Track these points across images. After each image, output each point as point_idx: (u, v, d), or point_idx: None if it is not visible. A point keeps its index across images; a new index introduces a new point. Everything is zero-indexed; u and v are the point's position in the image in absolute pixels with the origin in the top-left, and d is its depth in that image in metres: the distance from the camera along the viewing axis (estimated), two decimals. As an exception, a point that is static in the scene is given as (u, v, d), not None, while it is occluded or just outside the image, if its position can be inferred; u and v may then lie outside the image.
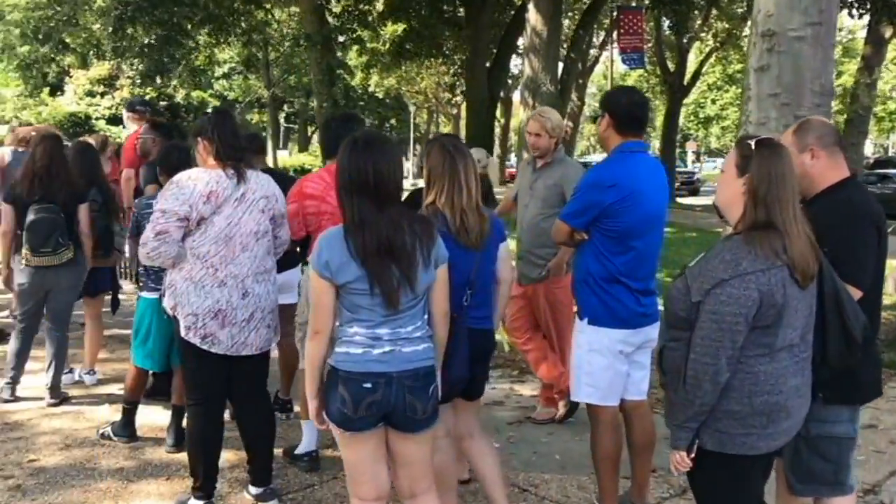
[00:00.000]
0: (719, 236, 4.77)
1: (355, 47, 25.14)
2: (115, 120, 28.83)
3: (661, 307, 3.06)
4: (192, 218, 3.28)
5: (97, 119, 29.23)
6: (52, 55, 18.02)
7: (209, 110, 38.40)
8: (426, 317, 2.70)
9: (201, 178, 3.32)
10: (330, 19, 20.43)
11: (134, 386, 4.37)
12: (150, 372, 4.52)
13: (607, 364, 3.35)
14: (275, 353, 4.32)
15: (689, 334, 2.27)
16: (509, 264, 3.35)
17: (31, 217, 4.71)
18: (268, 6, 23.73)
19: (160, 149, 4.87)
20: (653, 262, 3.46)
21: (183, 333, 3.38)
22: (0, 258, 5.06)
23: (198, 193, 3.28)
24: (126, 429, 4.38)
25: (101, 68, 29.99)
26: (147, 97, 31.37)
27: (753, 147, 2.31)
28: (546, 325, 4.66)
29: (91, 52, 23.05)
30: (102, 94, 31.40)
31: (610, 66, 29.98)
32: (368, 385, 2.54)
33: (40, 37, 17.73)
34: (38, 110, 24.56)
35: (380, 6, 21.91)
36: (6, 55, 19.38)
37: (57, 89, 30.48)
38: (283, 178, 4.25)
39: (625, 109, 3.38)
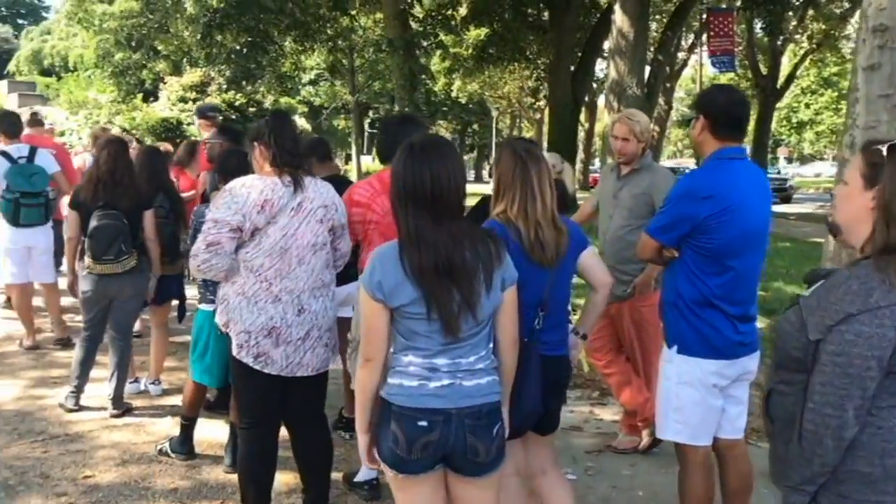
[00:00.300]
0: (817, 247, 4.32)
1: (438, 52, 25.02)
2: (205, 126, 29.33)
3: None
4: (245, 228, 3.06)
5: (188, 124, 30.03)
6: (144, 62, 18.40)
7: (297, 116, 39.04)
8: (491, 345, 2.39)
9: (256, 186, 3.09)
10: (413, 24, 20.34)
11: (192, 401, 4.19)
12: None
13: (699, 399, 2.96)
14: (339, 366, 4.08)
15: (805, 377, 1.88)
16: (602, 266, 3.01)
17: (93, 223, 4.60)
18: (353, 12, 23.85)
19: (221, 156, 4.71)
20: (753, 284, 3.05)
21: (235, 352, 3.16)
22: (66, 265, 4.98)
23: (251, 202, 3.05)
24: (184, 445, 4.21)
25: (193, 75, 30.79)
26: (237, 103, 32.20)
27: (885, 153, 1.89)
28: (630, 347, 4.27)
29: (184, 60, 23.62)
30: (194, 101, 32.21)
31: (699, 70, 29.00)
32: (424, 423, 2.24)
33: (133, 44, 18.12)
34: (132, 115, 25.29)
35: (463, 11, 21.71)
36: (104, 62, 19.97)
37: (151, 95, 31.41)
38: (348, 186, 4.00)
39: (723, 110, 2.99)
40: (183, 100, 32.62)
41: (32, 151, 6.38)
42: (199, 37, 18.20)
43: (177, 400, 5.09)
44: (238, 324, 3.13)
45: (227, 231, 3.04)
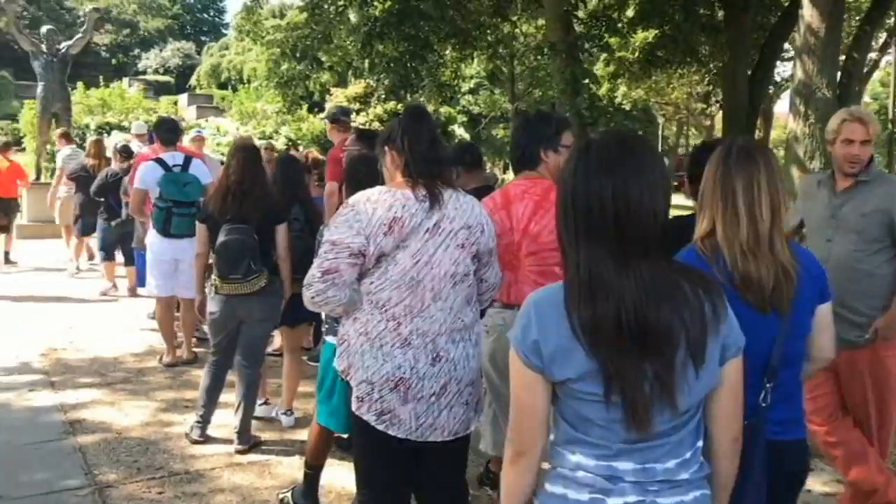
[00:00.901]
0: None
1: (602, 56, 24.01)
2: (368, 135, 29.76)
3: None
4: (368, 253, 2.45)
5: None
6: (307, 72, 18.59)
7: (456, 126, 39.05)
8: (700, 443, 1.63)
9: (383, 201, 2.47)
10: (576, 27, 19.51)
11: (317, 447, 3.64)
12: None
13: None
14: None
15: None
16: (832, 332, 2.18)
17: (220, 238, 4.17)
18: (514, 18, 23.30)
19: (349, 162, 4.14)
20: None
21: (354, 406, 2.55)
22: (194, 283, 4.61)
23: (377, 221, 2.44)
24: (307, 497, 3.65)
25: (357, 86, 31.36)
26: (398, 113, 32.49)
27: None
28: (863, 408, 3.32)
29: (350, 72, 23.92)
30: (358, 111, 32.87)
31: (894, 73, 26.35)
32: (600, 561, 1.52)
33: (298, 55, 18.39)
34: (298, 126, 25.94)
35: (629, 12, 20.64)
36: (272, 74, 20.42)
37: (318, 107, 32.21)
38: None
39: None
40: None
41: (187, 160, 6.16)
42: (359, 46, 18.17)
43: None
44: (359, 371, 2.51)
45: (347, 256, 2.44)
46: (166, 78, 54.18)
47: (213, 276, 4.26)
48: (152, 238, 6.20)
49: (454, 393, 2.52)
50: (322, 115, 33.22)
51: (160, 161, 6.10)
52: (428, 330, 2.47)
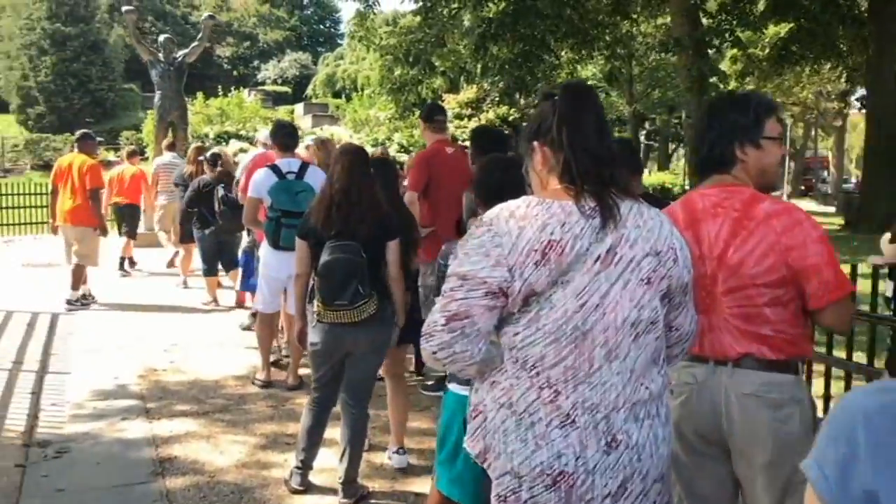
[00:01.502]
0: None
1: (730, 53, 22.57)
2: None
3: None
4: (513, 291, 1.73)
5: (464, 140, 30.20)
6: (420, 77, 18.15)
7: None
8: None
9: (533, 218, 1.75)
10: (704, 21, 18.29)
11: (435, 518, 2.95)
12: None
13: None
14: None
15: None
16: None
17: (323, 258, 3.57)
18: (634, 16, 22.22)
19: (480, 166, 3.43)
20: None
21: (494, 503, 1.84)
22: (294, 309, 4.02)
23: (525, 246, 1.72)
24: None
25: (469, 91, 30.90)
26: (510, 118, 31.77)
27: None
28: None
29: (462, 77, 23.46)
30: (469, 117, 32.41)
31: None
32: None
33: (410, 60, 17.97)
34: (410, 132, 25.66)
35: (761, 5, 19.22)
36: (385, 80, 20.16)
37: (429, 113, 31.95)
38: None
39: None
40: (459, 116, 32.90)
41: (303, 167, 5.67)
42: (473, 48, 17.57)
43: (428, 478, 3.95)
44: (500, 458, 1.79)
45: (482, 296, 1.73)
46: (284, 88, 55.47)
47: (314, 302, 3.65)
48: (263, 251, 5.76)
49: (638, 494, 1.76)
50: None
51: (274, 168, 5.62)
52: (599, 403, 1.73)
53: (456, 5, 19.68)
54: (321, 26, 71.52)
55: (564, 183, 1.80)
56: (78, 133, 9.01)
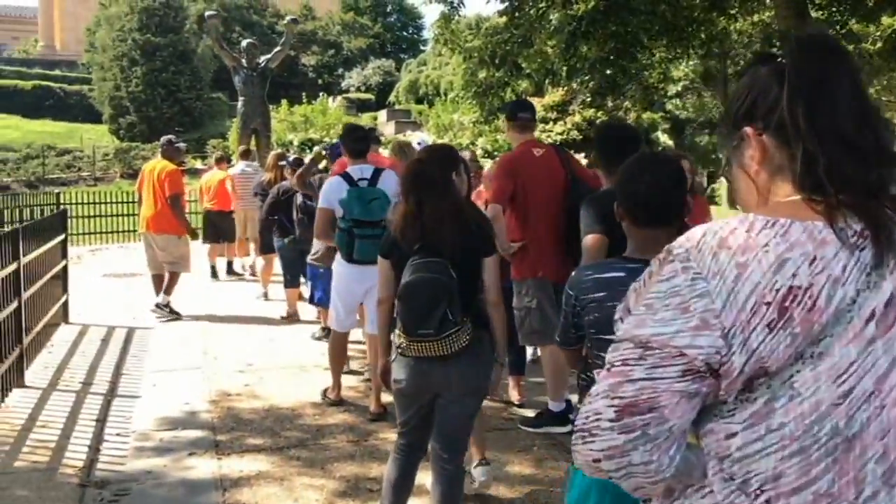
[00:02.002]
0: None
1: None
2: (568, 145, 28.82)
3: None
4: (730, 370, 1.07)
5: (551, 144, 29.55)
6: (506, 79, 17.46)
7: (659, 132, 36.78)
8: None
9: (761, 249, 1.07)
10: (812, 13, 17.04)
11: None
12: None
13: None
14: None
15: None
16: None
17: (405, 278, 2.98)
18: (732, 11, 21.04)
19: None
20: None
21: None
22: (378, 333, 3.42)
23: (749, 296, 1.06)
24: None
25: (554, 95, 30.11)
26: (598, 121, 30.80)
27: None
28: None
29: (546, 80, 22.74)
30: (555, 120, 31.62)
31: None
32: None
33: (497, 61, 17.30)
34: (495, 137, 25.08)
35: (878, -6, 17.82)
36: (468, 83, 19.56)
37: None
38: None
39: None
40: (544, 120, 32.13)
41: (377, 173, 5.16)
42: (562, 47, 16.80)
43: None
44: None
45: (678, 376, 1.08)
46: (367, 95, 55.60)
47: (396, 332, 3.05)
48: (337, 265, 5.27)
49: None
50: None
51: (345, 176, 5.15)
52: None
53: (543, 4, 18.97)
54: (404, 33, 71.66)
55: (806, 191, 1.13)
56: (163, 139, 8.74)
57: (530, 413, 5.10)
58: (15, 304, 5.58)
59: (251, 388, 5.73)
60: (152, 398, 5.47)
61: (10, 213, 13.72)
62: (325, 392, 5.41)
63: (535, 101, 31.41)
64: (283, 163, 8.30)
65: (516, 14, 18.99)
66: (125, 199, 16.65)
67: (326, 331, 6.88)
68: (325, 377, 5.74)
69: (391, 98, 53.36)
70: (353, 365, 6.21)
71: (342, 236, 5.04)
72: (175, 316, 8.14)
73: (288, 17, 14.47)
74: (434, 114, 29.14)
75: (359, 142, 5.42)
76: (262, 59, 14.25)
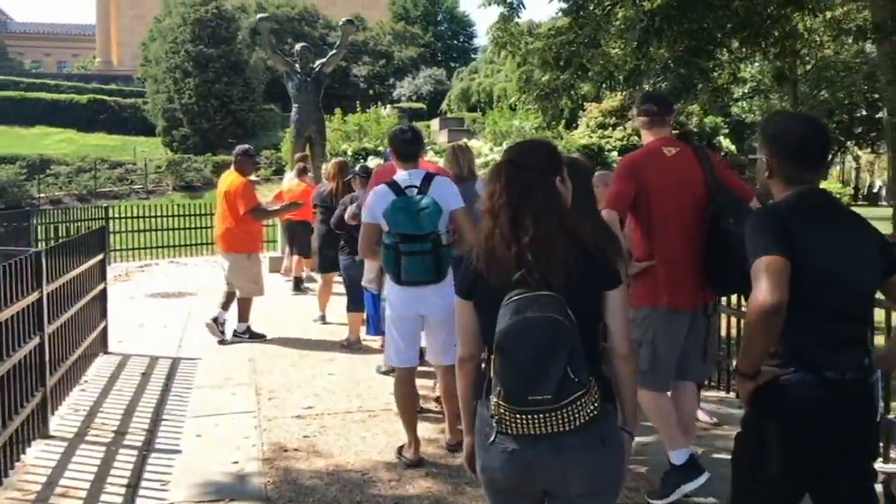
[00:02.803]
0: None
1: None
2: (627, 150, 27.81)
3: None
4: None
5: (609, 150, 28.46)
6: (572, 81, 16.37)
7: (721, 137, 35.32)
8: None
9: None
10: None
11: None
12: None
13: None
14: None
15: None
16: None
17: (503, 322, 2.04)
18: (810, 6, 19.68)
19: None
20: None
21: None
22: (461, 410, 2.44)
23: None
24: None
25: (613, 100, 29.03)
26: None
27: None
28: None
29: (604, 84, 21.71)
30: (614, 126, 30.50)
31: None
32: None
33: (561, 63, 16.19)
34: (555, 144, 24.01)
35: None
36: (528, 87, 18.50)
37: (570, 123, 30.20)
38: None
39: None
40: (602, 126, 30.99)
41: (427, 179, 4.33)
42: (634, 45, 15.67)
43: None
44: None
45: None
46: (419, 104, 54.90)
47: (490, 399, 2.11)
48: (387, 288, 4.49)
49: None
50: (577, 130, 31.11)
51: (392, 184, 4.33)
52: None
53: (609, 2, 17.93)
54: (455, 41, 71.00)
55: None
56: (237, 149, 7.92)
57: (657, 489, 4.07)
58: (37, 340, 4.75)
59: (311, 440, 4.79)
60: (195, 454, 4.58)
61: (44, 230, 13.13)
62: (400, 450, 4.48)
63: (592, 106, 30.27)
64: (350, 175, 7.45)
65: (580, 13, 17.96)
66: (177, 213, 16.00)
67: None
68: (398, 425, 4.79)
69: (443, 107, 52.65)
70: (429, 403, 5.29)
71: (388, 254, 4.25)
72: (258, 338, 7.56)
73: (343, 19, 13.59)
74: (490, 120, 28.17)
75: (408, 144, 4.52)
76: (317, 63, 13.43)
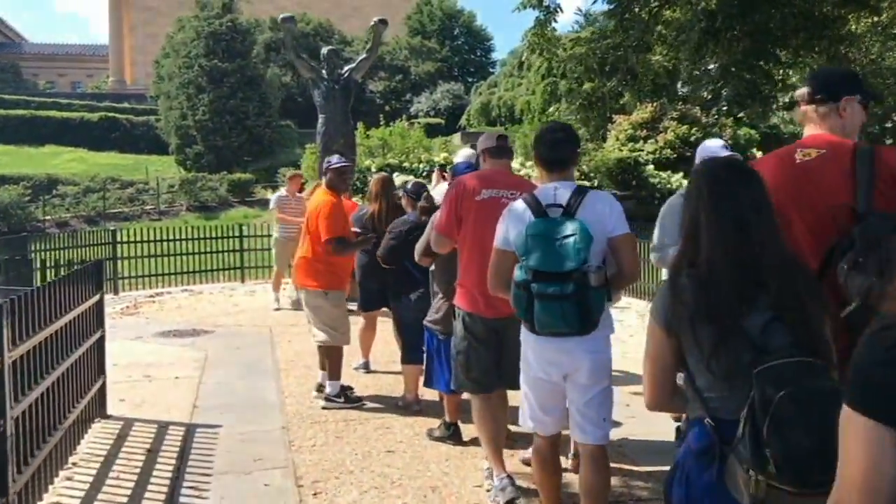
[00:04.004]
0: None
1: None
2: (661, 164, 26.47)
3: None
4: None
5: (644, 164, 27.14)
6: (619, 88, 14.86)
7: (755, 149, 33.85)
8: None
9: None
10: None
11: None
12: None
13: None
14: None
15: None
16: None
17: (768, 387, 1.75)
18: (872, 2, 18.25)
19: None
20: None
21: None
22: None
23: None
24: None
25: (643, 112, 27.72)
26: (692, 138, 28.06)
27: None
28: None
29: (655, 92, 20.41)
30: (645, 139, 29.10)
31: None
32: None
33: (607, 69, 14.68)
34: (593, 155, 22.81)
35: None
36: (570, 97, 17.08)
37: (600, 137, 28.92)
38: None
39: None
40: (633, 139, 29.57)
41: (578, 193, 3.24)
42: (692, 49, 14.21)
43: None
44: None
45: None
46: (437, 120, 53.71)
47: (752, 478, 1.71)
48: (523, 337, 3.43)
49: None
50: (606, 143, 29.67)
51: (531, 201, 3.32)
52: None
53: (656, 3, 16.56)
54: (472, 56, 69.97)
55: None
56: (327, 159, 6.42)
57: None
58: (-8, 433, 3.33)
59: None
60: None
61: (46, 258, 11.73)
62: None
63: (621, 118, 28.91)
64: (401, 192, 6.05)
65: (626, 15, 16.57)
66: (191, 236, 14.59)
67: (451, 427, 4.89)
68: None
69: (462, 122, 51.57)
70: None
71: (518, 294, 3.17)
72: (355, 403, 5.92)
73: (375, 18, 12.19)
74: (521, 133, 26.79)
75: (558, 147, 3.45)
76: (346, 69, 12.07)
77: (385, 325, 7.04)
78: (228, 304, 11.36)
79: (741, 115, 21.43)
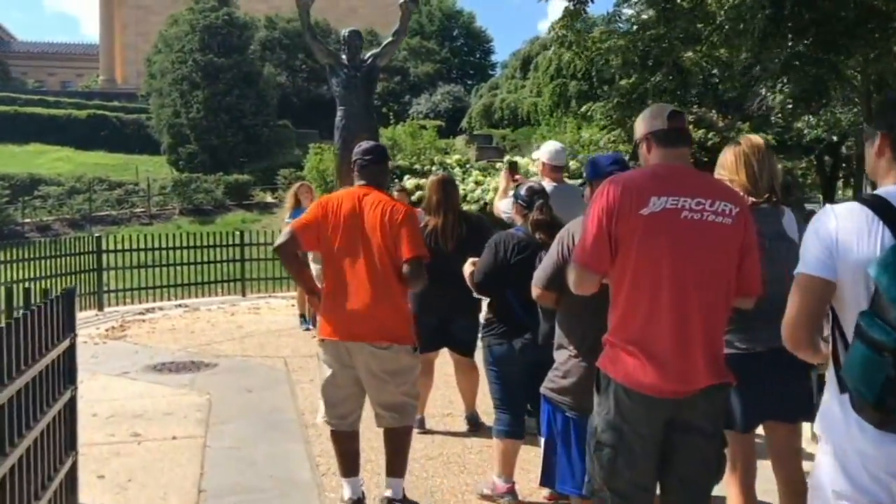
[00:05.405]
0: None
1: None
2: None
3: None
4: None
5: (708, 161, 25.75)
6: (665, 83, 13.39)
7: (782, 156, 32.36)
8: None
9: None
10: None
11: None
12: None
13: None
14: None
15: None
16: None
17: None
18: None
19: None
20: None
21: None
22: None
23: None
24: None
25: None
26: (708, 143, 26.53)
27: None
28: None
29: (710, 87, 18.95)
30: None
31: None
32: None
33: (649, 63, 13.19)
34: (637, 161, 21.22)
35: None
36: (607, 93, 15.63)
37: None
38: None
39: None
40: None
41: None
42: (758, 39, 12.67)
43: None
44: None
45: None
46: (436, 122, 52.32)
47: None
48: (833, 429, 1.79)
49: None
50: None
51: (879, 204, 1.93)
52: None
53: (699, -9, 15.07)
54: (471, 58, 68.68)
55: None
56: (360, 147, 4.15)
57: None
58: None
59: None
60: None
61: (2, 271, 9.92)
62: None
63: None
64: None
65: (667, 5, 15.02)
66: (185, 244, 12.88)
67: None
68: None
69: (463, 124, 50.25)
70: None
71: (870, 360, 1.86)
72: None
73: (405, -5, 10.49)
74: (539, 135, 25.25)
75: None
76: (368, 54, 10.45)
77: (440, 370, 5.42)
78: (231, 325, 9.73)
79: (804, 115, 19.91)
